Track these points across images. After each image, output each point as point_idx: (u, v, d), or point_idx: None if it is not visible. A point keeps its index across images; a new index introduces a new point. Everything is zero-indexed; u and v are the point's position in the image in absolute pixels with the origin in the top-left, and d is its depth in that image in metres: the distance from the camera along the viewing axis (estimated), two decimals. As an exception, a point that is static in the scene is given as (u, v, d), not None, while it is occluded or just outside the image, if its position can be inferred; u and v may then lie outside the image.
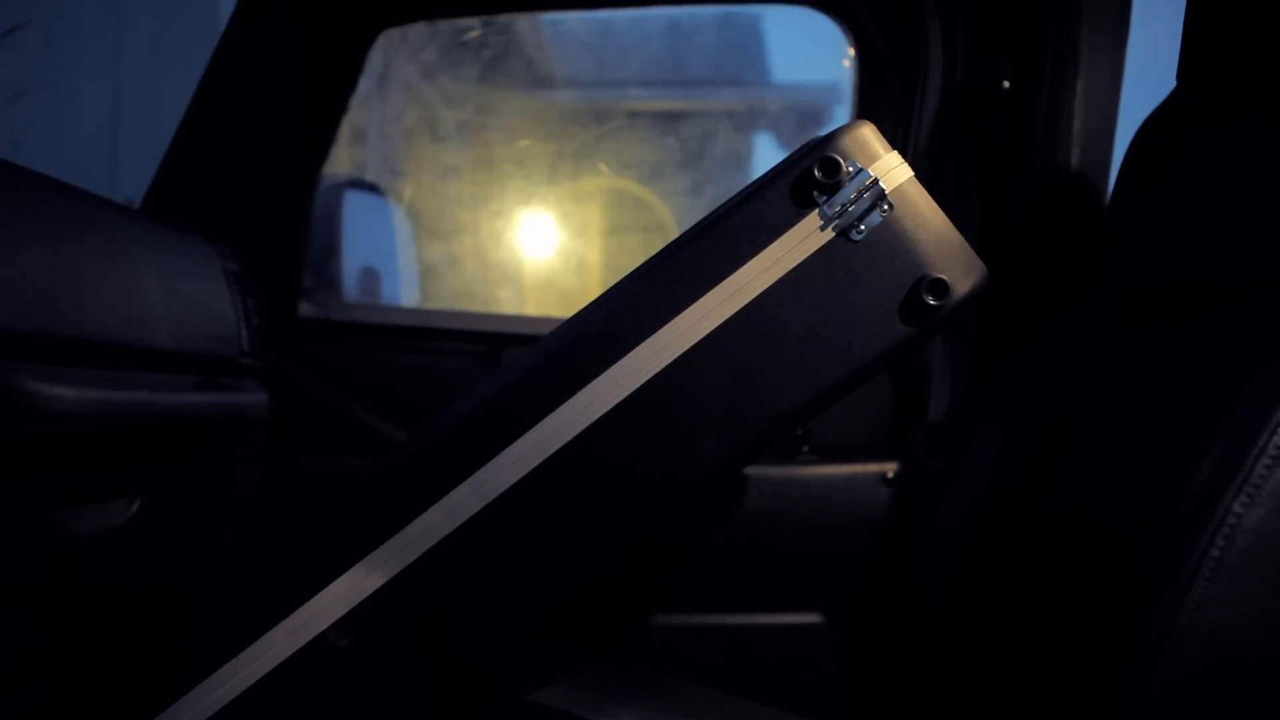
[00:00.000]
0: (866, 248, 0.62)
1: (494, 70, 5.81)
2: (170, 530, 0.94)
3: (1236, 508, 0.52)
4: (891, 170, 0.61)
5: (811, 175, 0.61)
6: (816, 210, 0.61)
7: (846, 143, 0.61)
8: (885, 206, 0.61)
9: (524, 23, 4.98)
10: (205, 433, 0.97)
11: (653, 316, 0.62)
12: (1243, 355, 0.62)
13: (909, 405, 1.16)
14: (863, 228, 0.62)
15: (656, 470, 0.63)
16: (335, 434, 1.41)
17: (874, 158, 0.61)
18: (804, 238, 0.62)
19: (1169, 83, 0.86)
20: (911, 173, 0.62)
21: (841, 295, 0.62)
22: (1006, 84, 1.02)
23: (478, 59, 5.57)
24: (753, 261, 0.62)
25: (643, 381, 0.61)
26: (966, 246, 0.63)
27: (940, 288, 0.61)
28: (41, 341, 0.72)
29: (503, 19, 5.02)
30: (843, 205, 0.61)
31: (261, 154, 1.17)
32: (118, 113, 2.10)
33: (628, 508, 0.62)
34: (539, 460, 0.62)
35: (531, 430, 0.62)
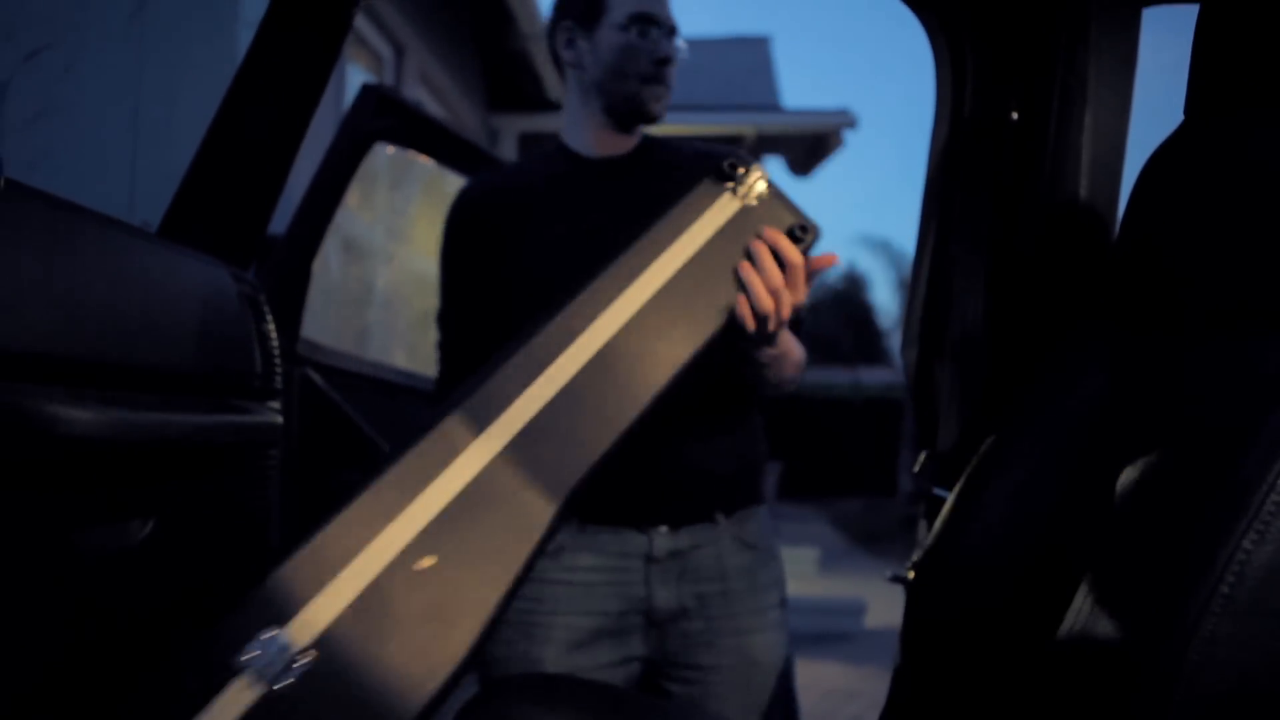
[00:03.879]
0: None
1: (504, 93, 5.87)
2: (183, 550, 0.94)
3: (1246, 544, 0.52)
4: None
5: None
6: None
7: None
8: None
9: (536, 47, 5.03)
10: (219, 453, 0.98)
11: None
12: (1254, 390, 0.62)
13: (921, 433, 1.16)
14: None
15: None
16: (348, 450, 1.42)
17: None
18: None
19: (1177, 115, 0.87)
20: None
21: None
22: (1015, 115, 1.03)
23: (489, 81, 5.63)
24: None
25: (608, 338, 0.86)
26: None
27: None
28: (58, 364, 0.73)
29: (513, 45, 5.07)
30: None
31: (278, 181, 1.19)
32: (137, 136, 2.13)
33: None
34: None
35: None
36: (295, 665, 0.70)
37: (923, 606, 0.93)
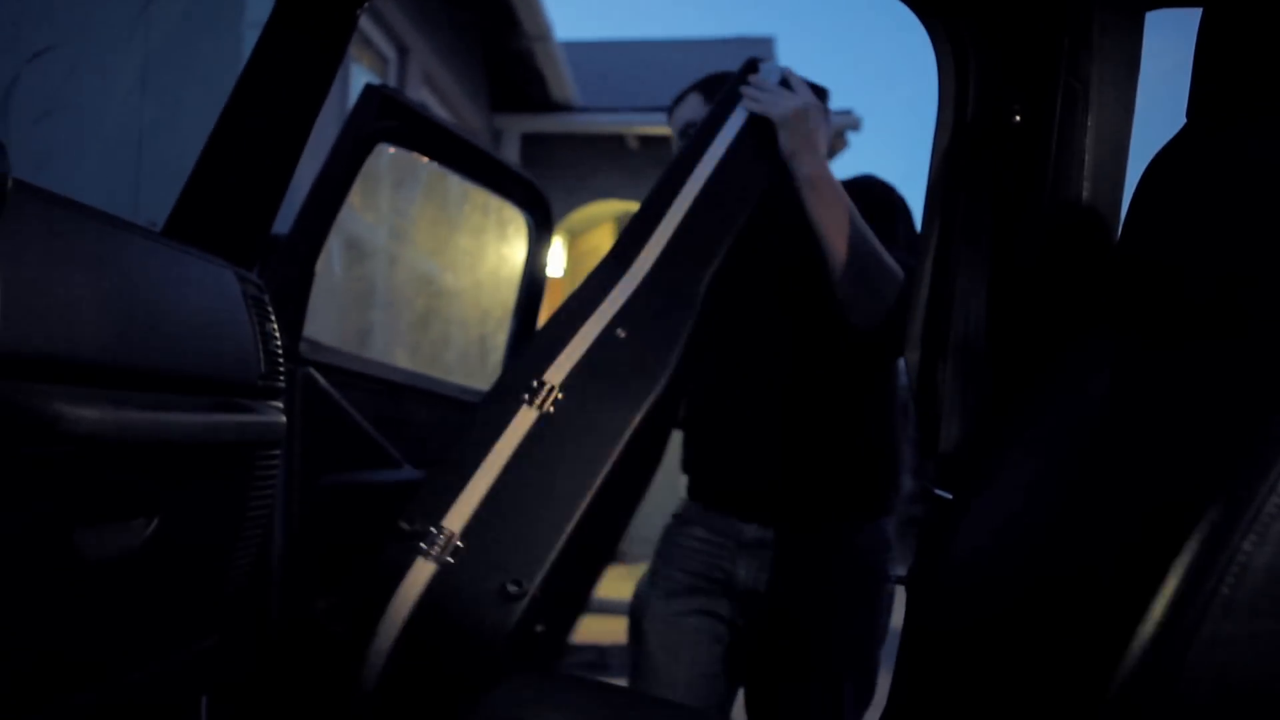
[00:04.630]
0: None
1: (508, 95, 5.86)
2: (186, 550, 0.95)
3: (1246, 546, 0.52)
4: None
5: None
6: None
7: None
8: None
9: (540, 49, 5.04)
10: (222, 454, 0.98)
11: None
12: (1255, 391, 0.62)
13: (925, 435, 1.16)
14: None
15: None
16: (350, 450, 1.43)
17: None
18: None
19: (1179, 118, 0.87)
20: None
21: None
22: (1018, 118, 1.03)
23: (493, 82, 5.63)
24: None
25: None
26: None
27: None
28: (65, 363, 0.73)
29: (517, 46, 5.08)
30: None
31: (282, 181, 1.19)
32: (142, 136, 2.13)
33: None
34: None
35: None
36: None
37: (923, 607, 0.93)
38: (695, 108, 1.59)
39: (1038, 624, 0.75)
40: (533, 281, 1.89)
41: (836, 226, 1.29)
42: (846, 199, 1.32)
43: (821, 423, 1.43)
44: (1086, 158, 0.99)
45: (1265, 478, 0.53)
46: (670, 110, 1.69)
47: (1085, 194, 0.99)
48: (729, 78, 1.65)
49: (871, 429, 1.46)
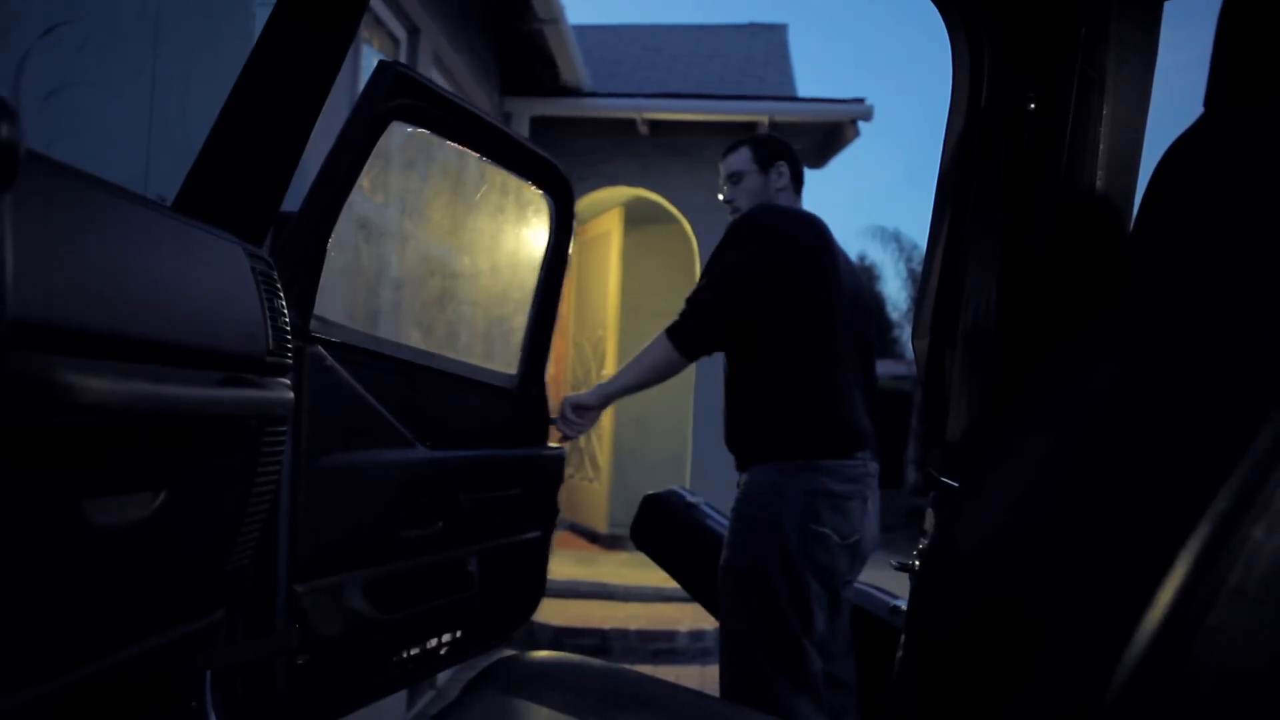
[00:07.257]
0: None
1: (518, 78, 5.82)
2: (192, 524, 0.95)
3: (1256, 534, 0.52)
4: None
5: None
6: None
7: None
8: None
9: (551, 31, 5.01)
10: (230, 428, 0.98)
11: None
12: (1265, 380, 0.62)
13: (931, 423, 1.16)
14: None
15: None
16: (359, 428, 1.43)
17: None
18: None
19: (1196, 107, 0.86)
20: None
21: None
22: (1032, 105, 1.02)
23: (503, 65, 5.59)
24: None
25: None
26: None
27: None
28: (74, 334, 0.73)
29: (527, 28, 5.05)
30: None
31: (292, 159, 1.19)
32: (152, 111, 2.13)
33: None
34: None
35: None
36: None
37: (929, 594, 0.93)
38: (745, 160, 2.26)
39: (1044, 611, 0.75)
40: (554, 263, 1.87)
41: (629, 381, 2.13)
42: (601, 393, 2.16)
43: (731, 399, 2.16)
44: (1101, 146, 0.98)
45: (1276, 465, 0.53)
46: (724, 154, 2.32)
47: (1099, 182, 0.98)
48: (778, 142, 2.34)
49: (749, 402, 2.10)
